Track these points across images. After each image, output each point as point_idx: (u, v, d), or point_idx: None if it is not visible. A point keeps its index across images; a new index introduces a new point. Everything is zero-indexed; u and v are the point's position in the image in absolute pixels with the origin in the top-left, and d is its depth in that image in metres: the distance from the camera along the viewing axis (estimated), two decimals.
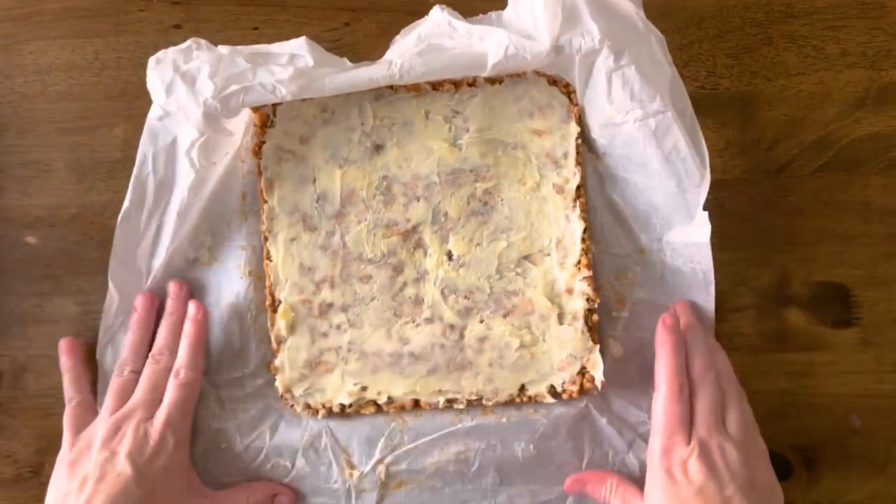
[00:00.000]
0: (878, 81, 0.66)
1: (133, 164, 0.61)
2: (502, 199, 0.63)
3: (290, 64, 0.59)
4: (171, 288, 0.63)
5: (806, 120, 0.66)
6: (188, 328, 0.62)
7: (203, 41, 0.59)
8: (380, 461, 0.63)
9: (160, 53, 0.59)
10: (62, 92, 0.66)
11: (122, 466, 0.56)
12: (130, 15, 0.66)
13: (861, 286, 0.65)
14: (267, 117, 0.62)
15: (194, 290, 0.64)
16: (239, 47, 0.59)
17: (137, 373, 0.61)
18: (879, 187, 0.66)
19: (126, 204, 0.61)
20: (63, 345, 0.63)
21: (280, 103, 0.62)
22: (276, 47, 0.60)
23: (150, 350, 0.62)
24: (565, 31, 0.58)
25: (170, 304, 0.63)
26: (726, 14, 0.66)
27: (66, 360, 0.63)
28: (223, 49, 0.59)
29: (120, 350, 0.62)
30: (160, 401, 0.60)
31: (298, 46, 0.60)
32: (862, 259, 0.65)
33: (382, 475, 0.63)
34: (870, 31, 0.66)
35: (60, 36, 0.64)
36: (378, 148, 0.62)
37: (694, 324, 0.62)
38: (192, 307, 0.62)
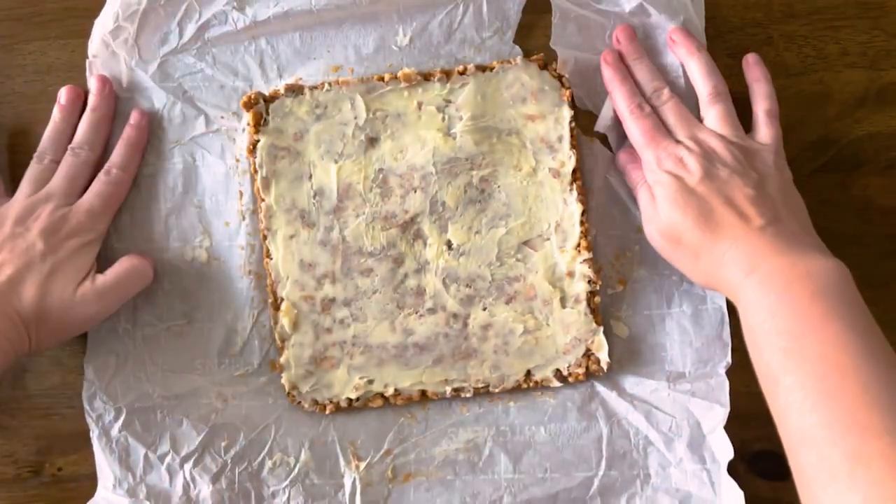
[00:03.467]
0: (878, 81, 0.65)
1: None
2: (499, 186, 0.63)
3: None
4: (95, 84, 0.63)
5: (806, 120, 0.65)
6: (128, 132, 0.63)
7: None
8: (387, 452, 0.62)
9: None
10: None
11: (34, 241, 0.58)
12: None
13: (861, 286, 0.64)
14: (260, 116, 0.62)
15: (195, 291, 0.63)
16: None
17: (57, 162, 0.62)
18: (879, 187, 0.65)
19: None
20: None
21: (273, 101, 0.62)
22: None
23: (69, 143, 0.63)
24: None
25: (93, 100, 0.63)
26: (726, 14, 0.66)
27: None
28: None
29: None
30: (78, 193, 0.61)
31: None
32: (862, 259, 0.64)
33: (390, 466, 0.62)
34: (870, 31, 0.66)
35: (60, 36, 0.65)
36: (372, 141, 0.63)
37: (633, 48, 0.62)
38: (134, 114, 0.63)
